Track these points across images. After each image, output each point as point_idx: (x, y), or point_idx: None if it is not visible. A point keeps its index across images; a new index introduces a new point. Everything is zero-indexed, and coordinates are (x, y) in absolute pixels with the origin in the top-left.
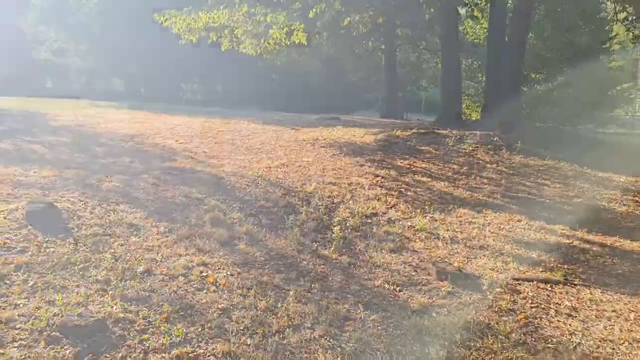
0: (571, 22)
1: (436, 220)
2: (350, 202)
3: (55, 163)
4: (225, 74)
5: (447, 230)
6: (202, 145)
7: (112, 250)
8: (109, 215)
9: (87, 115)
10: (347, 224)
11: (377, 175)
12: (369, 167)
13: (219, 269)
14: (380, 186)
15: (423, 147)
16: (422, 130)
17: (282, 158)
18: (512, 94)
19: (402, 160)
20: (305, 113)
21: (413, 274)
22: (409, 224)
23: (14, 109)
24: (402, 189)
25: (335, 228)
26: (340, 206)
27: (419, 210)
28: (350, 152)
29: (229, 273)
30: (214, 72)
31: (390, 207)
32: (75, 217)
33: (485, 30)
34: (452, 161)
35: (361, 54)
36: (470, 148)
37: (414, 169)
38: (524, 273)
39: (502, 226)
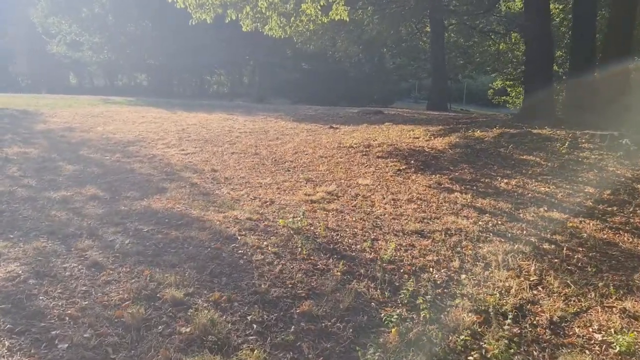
0: None
1: (636, 319)
2: (464, 277)
3: None
4: (252, 64)
5: None
6: (214, 158)
7: None
8: None
9: (88, 115)
10: (488, 355)
11: (482, 211)
12: (461, 193)
13: None
14: (496, 234)
15: (525, 156)
16: (512, 130)
17: (327, 179)
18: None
19: (505, 180)
20: (339, 105)
21: None
22: (598, 335)
23: (11, 107)
24: (533, 240)
25: None
26: (453, 293)
27: (592, 293)
28: (422, 166)
29: None
30: (240, 63)
31: (535, 285)
32: None
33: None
34: (580, 179)
35: (404, 36)
36: (594, 156)
37: (530, 195)
38: None
39: None
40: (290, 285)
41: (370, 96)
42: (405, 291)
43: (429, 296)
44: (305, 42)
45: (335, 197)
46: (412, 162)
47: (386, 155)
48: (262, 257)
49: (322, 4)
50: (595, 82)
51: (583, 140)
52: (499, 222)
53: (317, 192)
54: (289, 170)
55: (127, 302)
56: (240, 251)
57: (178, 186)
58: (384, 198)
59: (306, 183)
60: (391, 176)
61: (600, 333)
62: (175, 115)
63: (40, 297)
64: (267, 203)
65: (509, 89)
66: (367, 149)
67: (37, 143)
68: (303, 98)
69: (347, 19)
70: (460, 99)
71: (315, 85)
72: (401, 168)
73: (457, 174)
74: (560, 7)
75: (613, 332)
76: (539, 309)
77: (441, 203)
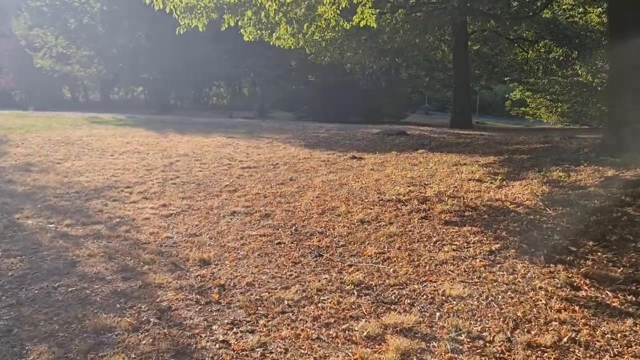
0: None
1: None
2: None
3: None
4: (253, 75)
5: None
6: (206, 227)
7: None
8: None
9: (63, 142)
10: None
11: None
12: (635, 319)
13: None
14: None
15: None
16: (618, 173)
17: (388, 283)
18: None
19: None
20: (350, 122)
21: None
22: None
23: None
24: None
25: None
26: None
27: None
28: (523, 243)
29: None
30: (240, 74)
31: None
32: None
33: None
34: None
35: (425, 43)
36: None
37: None
38: None
39: None
40: None
41: (382, 110)
42: None
43: None
44: (320, 53)
45: (426, 348)
46: (504, 234)
47: (457, 220)
48: None
49: (343, 5)
50: None
51: None
52: None
53: (386, 330)
54: (321, 256)
55: None
56: None
57: (134, 324)
58: (509, 340)
59: (358, 295)
60: (485, 267)
61: None
62: (165, 139)
63: None
64: None
65: (528, 100)
66: (425, 206)
67: None
68: (308, 112)
69: (375, 25)
70: (473, 109)
71: (322, 98)
72: (493, 249)
73: (590, 262)
74: None
75: None
76: None
77: (621, 354)
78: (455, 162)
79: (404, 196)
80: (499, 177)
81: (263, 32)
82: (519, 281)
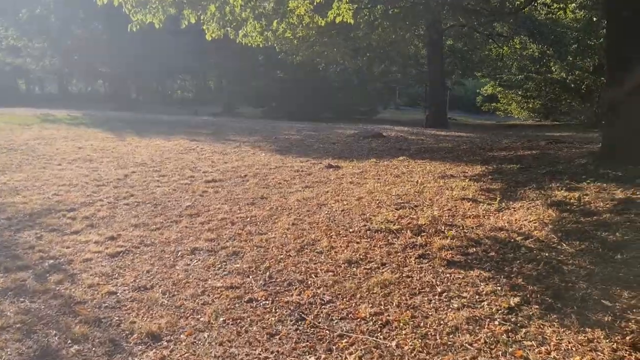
0: None
1: None
2: None
3: None
4: (218, 68)
5: None
6: (159, 272)
7: None
8: None
9: (5, 147)
10: None
11: None
12: None
13: None
14: None
15: None
16: (629, 193)
17: None
18: None
19: None
20: (321, 119)
21: None
22: None
23: None
24: None
25: None
26: None
27: None
28: (546, 294)
29: None
30: (205, 68)
31: None
32: None
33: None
34: None
35: (402, 40)
36: None
37: None
38: None
39: None
40: None
41: (354, 106)
42: None
43: None
44: (292, 52)
45: None
46: (520, 280)
47: (462, 260)
48: None
49: (318, 1)
50: None
51: None
52: None
53: None
54: (304, 320)
55: None
56: None
57: None
58: None
59: None
60: (508, 334)
61: None
62: (123, 143)
63: None
64: None
65: (499, 96)
66: (421, 240)
67: None
68: (278, 108)
69: (352, 21)
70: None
71: (292, 95)
72: (512, 304)
73: (633, 324)
74: None
75: None
76: None
77: None
78: (442, 174)
79: (394, 224)
80: (497, 198)
81: (228, 29)
82: (555, 358)
